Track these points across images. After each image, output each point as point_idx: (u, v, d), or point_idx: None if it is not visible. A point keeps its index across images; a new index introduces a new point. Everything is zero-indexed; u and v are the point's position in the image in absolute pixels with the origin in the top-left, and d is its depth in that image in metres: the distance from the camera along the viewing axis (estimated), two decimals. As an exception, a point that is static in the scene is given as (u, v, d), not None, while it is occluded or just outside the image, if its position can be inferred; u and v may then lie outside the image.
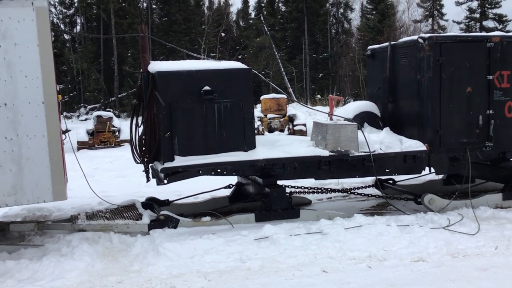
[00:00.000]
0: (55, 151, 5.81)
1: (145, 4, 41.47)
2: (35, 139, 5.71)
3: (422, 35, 7.31)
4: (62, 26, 38.74)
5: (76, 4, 39.87)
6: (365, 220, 6.46)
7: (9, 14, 5.59)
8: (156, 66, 6.77)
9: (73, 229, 6.52)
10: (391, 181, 8.55)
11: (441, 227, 6.41)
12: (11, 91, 5.62)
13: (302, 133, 17.80)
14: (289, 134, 18.13)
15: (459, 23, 42.97)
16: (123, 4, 38.29)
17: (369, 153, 7.05)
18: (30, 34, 5.63)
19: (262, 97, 19.30)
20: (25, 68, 5.64)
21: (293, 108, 20.57)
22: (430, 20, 44.29)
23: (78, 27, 40.70)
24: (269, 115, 18.59)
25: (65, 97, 33.91)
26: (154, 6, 42.08)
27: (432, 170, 7.69)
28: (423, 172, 7.77)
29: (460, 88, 7.21)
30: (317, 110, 9.92)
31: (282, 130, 18.46)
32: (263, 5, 47.95)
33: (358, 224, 6.33)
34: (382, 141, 7.29)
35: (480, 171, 7.96)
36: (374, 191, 8.48)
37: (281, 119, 18.57)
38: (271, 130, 18.38)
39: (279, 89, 9.48)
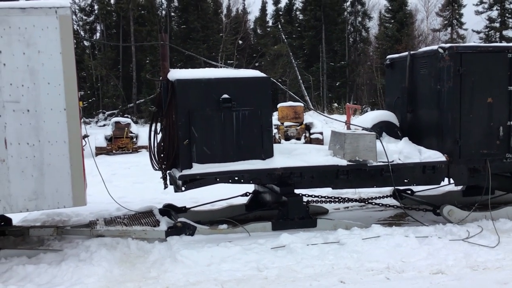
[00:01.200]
0: (75, 157, 5.89)
1: (164, 12, 41.89)
2: (56, 145, 5.80)
3: (442, 45, 7.26)
4: (82, 33, 39.31)
5: (96, 12, 40.47)
6: (383, 231, 6.41)
7: (33, 22, 5.70)
8: (175, 74, 6.83)
9: (92, 234, 6.58)
10: (409, 191, 8.48)
11: (461, 239, 6.33)
12: (34, 98, 5.71)
13: (319, 141, 17.75)
14: (306, 142, 18.10)
15: (478, 32, 42.62)
16: (143, 12, 38.76)
17: (387, 163, 7.00)
18: (53, 42, 5.73)
19: (279, 105, 19.32)
20: (48, 75, 5.73)
21: (310, 116, 20.53)
22: (449, 29, 43.98)
23: (98, 34, 41.30)
24: (286, 123, 18.59)
25: (84, 103, 34.33)
26: (173, 14, 42.52)
27: (452, 181, 7.61)
28: (442, 183, 7.69)
29: (480, 98, 7.14)
30: (334, 119, 9.88)
31: (298, 138, 18.44)
32: (280, 13, 48.08)
33: (376, 234, 6.28)
34: (401, 151, 7.24)
35: (500, 183, 7.85)
36: (392, 201, 8.41)
37: (298, 127, 18.55)
38: (287, 138, 18.36)
39: (296, 97, 9.49)
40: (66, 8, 5.80)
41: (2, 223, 6.80)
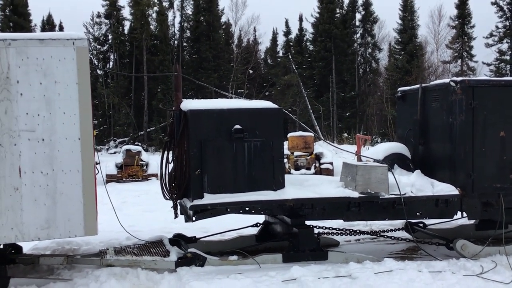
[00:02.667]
0: (88, 186, 5.92)
1: (176, 42, 42.58)
2: (70, 174, 5.84)
3: (454, 78, 7.29)
4: (96, 62, 39.99)
5: (110, 41, 41.24)
6: (395, 265, 6.32)
7: (51, 53, 5.82)
8: (188, 104, 6.90)
9: (102, 264, 6.55)
10: (421, 225, 8.38)
11: (474, 275, 6.21)
12: (49, 127, 5.79)
13: (329, 171, 17.69)
14: (316, 172, 18.04)
15: (489, 64, 42.72)
16: (155, 42, 39.44)
17: (399, 196, 6.96)
18: (70, 73, 5.84)
19: (289, 135, 19.35)
20: (64, 105, 5.82)
21: (320, 146, 20.52)
22: (459, 61, 44.16)
23: (111, 63, 41.98)
24: (296, 153, 18.58)
25: (96, 130, 34.75)
26: (185, 44, 43.19)
27: (465, 214, 7.52)
28: (455, 217, 7.60)
29: (493, 132, 7.11)
30: (345, 150, 9.86)
31: (308, 168, 18.39)
32: (291, 44, 48.70)
33: (388, 269, 6.19)
34: (413, 183, 7.20)
35: (514, 217, 7.74)
36: (404, 234, 8.31)
37: (308, 157, 18.52)
38: (297, 168, 18.33)
39: (306, 127, 9.53)
40: (84, 40, 5.92)
41: (13, 251, 6.80)
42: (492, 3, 40.96)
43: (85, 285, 5.85)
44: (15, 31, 35.75)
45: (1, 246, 6.32)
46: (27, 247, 7.37)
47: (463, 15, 43.23)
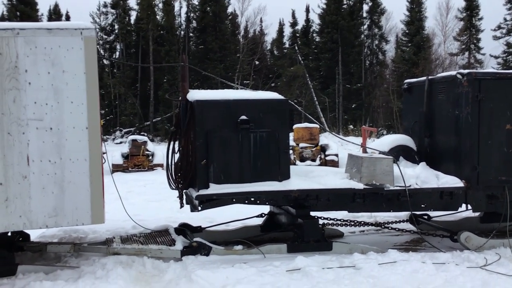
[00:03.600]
0: (95, 175, 5.98)
1: (182, 33, 42.53)
2: (77, 163, 5.89)
3: (461, 70, 7.27)
4: (102, 52, 40.01)
5: (116, 31, 41.24)
6: (399, 256, 6.36)
7: (59, 43, 5.85)
8: (194, 95, 6.93)
9: (108, 252, 6.62)
10: (426, 217, 8.40)
11: (478, 267, 6.24)
12: (57, 116, 5.83)
13: (334, 163, 17.71)
14: (321, 164, 18.07)
15: (496, 57, 42.40)
16: (162, 32, 39.40)
17: (404, 188, 6.98)
18: (77, 62, 5.87)
19: (294, 126, 19.37)
20: (72, 95, 5.86)
21: (325, 138, 20.53)
22: (466, 53, 43.86)
23: (118, 53, 42.01)
24: (301, 144, 18.61)
25: (103, 120, 34.85)
26: (191, 34, 43.14)
27: (469, 207, 7.54)
28: (460, 209, 7.62)
29: (499, 125, 7.10)
30: (350, 141, 9.84)
31: (314, 160, 18.42)
32: (297, 35, 48.52)
33: (392, 260, 6.23)
34: (418, 176, 7.21)
35: (519, 210, 7.74)
36: (408, 226, 8.34)
37: (313, 149, 18.55)
38: (302, 159, 18.37)
39: (312, 118, 9.53)
40: (91, 30, 5.95)
41: (21, 239, 6.89)
42: (501, -5, 40.60)
43: (91, 273, 5.93)
44: (22, 20, 35.78)
45: (9, 234, 6.40)
46: (35, 235, 7.46)
47: (471, 7, 42.88)
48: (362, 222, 7.96)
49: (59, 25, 5.91)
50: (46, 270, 6.14)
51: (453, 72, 7.44)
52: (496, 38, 42.08)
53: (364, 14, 46.50)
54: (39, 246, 6.79)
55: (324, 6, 45.97)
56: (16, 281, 5.79)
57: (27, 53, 5.74)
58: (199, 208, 6.75)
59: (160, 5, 40.25)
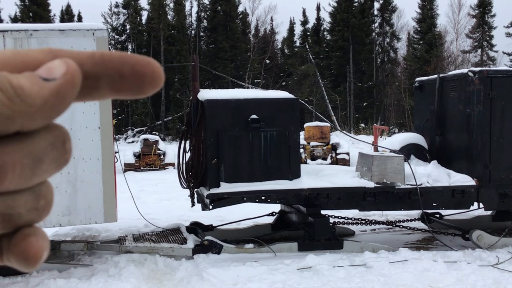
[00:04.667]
0: (108, 174, 6.05)
1: (193, 32, 42.67)
2: (90, 162, 5.98)
3: (472, 68, 7.24)
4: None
5: (128, 31, 41.49)
6: (411, 255, 6.35)
7: (72, 43, 5.92)
8: (205, 94, 6.97)
9: (121, 250, 6.69)
10: (437, 215, 8.37)
11: (490, 265, 6.22)
12: (70, 116, 5.91)
13: (345, 162, 17.66)
14: (332, 162, 18.03)
15: (509, 54, 42.06)
16: (173, 32, 39.56)
17: (415, 186, 6.96)
18: (90, 63, 5.92)
19: (305, 125, 19.34)
20: (84, 95, 5.92)
21: (336, 137, 20.48)
22: (479, 51, 43.49)
23: (129, 53, 42.21)
24: (312, 143, 18.57)
25: (115, 120, 35.07)
26: (202, 34, 43.26)
27: (481, 205, 7.50)
28: (472, 207, 7.58)
29: (511, 123, 7.06)
30: (361, 140, 9.85)
31: (325, 158, 18.38)
32: (308, 33, 48.42)
33: (403, 258, 6.23)
34: (430, 174, 7.19)
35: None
36: (420, 224, 8.32)
37: (324, 147, 18.51)
38: (313, 158, 18.33)
39: (322, 117, 9.55)
40: (103, 31, 6.02)
41: (35, 237, 6.97)
42: (514, -8, 40.21)
43: (104, 271, 6.00)
44: (35, 21, 36.16)
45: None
46: (48, 233, 7.56)
47: (483, 4, 42.51)
48: (373, 221, 7.95)
49: (72, 26, 5.98)
50: (60, 268, 6.22)
51: (464, 70, 7.41)
52: (509, 35, 41.73)
53: (375, 12, 46.30)
54: (53, 245, 6.87)
55: (335, 4, 45.83)
56: (30, 279, 5.88)
57: (40, 54, 5.81)
58: (210, 207, 6.79)
59: (171, 5, 40.46)
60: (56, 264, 6.47)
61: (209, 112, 6.73)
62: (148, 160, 18.76)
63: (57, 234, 7.86)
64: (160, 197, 12.26)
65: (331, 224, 7.21)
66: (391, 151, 7.69)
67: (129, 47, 42.32)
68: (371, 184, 6.95)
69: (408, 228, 7.87)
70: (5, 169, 0.35)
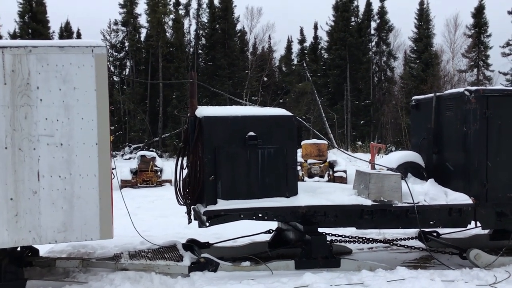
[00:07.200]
0: (104, 191, 6.02)
1: (191, 49, 42.94)
2: (87, 179, 5.95)
3: (469, 87, 7.29)
4: (112, 69, 40.44)
5: (126, 48, 41.71)
6: (408, 274, 6.31)
7: (70, 60, 5.94)
8: (203, 111, 6.99)
9: (116, 267, 6.64)
10: (435, 234, 8.35)
11: (487, 284, 6.19)
12: (67, 132, 5.91)
13: (342, 179, 17.67)
14: (329, 180, 18.03)
15: (505, 74, 42.31)
16: (171, 49, 39.80)
17: (413, 204, 6.95)
18: (88, 79, 5.95)
19: (303, 142, 19.38)
20: (82, 111, 5.94)
21: (334, 154, 20.52)
22: (475, 70, 43.80)
23: (128, 70, 42.44)
24: (310, 160, 18.59)
25: (112, 136, 35.07)
26: (200, 51, 43.54)
27: (478, 224, 7.48)
28: (469, 226, 7.57)
29: (507, 141, 7.09)
30: (358, 158, 9.85)
31: (322, 176, 18.39)
32: (305, 52, 48.79)
33: (401, 277, 6.19)
34: (427, 192, 7.19)
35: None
36: (417, 243, 8.28)
37: (322, 165, 18.53)
38: (311, 176, 18.33)
39: (320, 134, 9.55)
40: (102, 48, 6.05)
41: (30, 254, 6.92)
42: (509, 12, 40.61)
43: (100, 288, 5.95)
44: (34, 37, 36.40)
45: (19, 249, 6.44)
46: (44, 250, 7.50)
47: (479, 24, 42.95)
48: (371, 239, 7.92)
49: (71, 43, 6.01)
50: (55, 285, 6.17)
51: (461, 89, 7.46)
52: (504, 55, 42.06)
53: (372, 31, 46.76)
54: (48, 261, 6.83)
55: (332, 23, 46.28)
56: (24, 296, 5.81)
57: (39, 70, 5.84)
58: (207, 224, 6.76)
59: (170, 23, 40.76)
60: (51, 281, 6.41)
61: (207, 129, 6.74)
62: (145, 176, 18.73)
63: (52, 251, 7.80)
64: (156, 214, 12.20)
65: (328, 242, 7.18)
66: (388, 169, 7.70)
67: (128, 64, 42.55)
68: (368, 202, 6.94)
69: (405, 246, 7.83)
70: None
